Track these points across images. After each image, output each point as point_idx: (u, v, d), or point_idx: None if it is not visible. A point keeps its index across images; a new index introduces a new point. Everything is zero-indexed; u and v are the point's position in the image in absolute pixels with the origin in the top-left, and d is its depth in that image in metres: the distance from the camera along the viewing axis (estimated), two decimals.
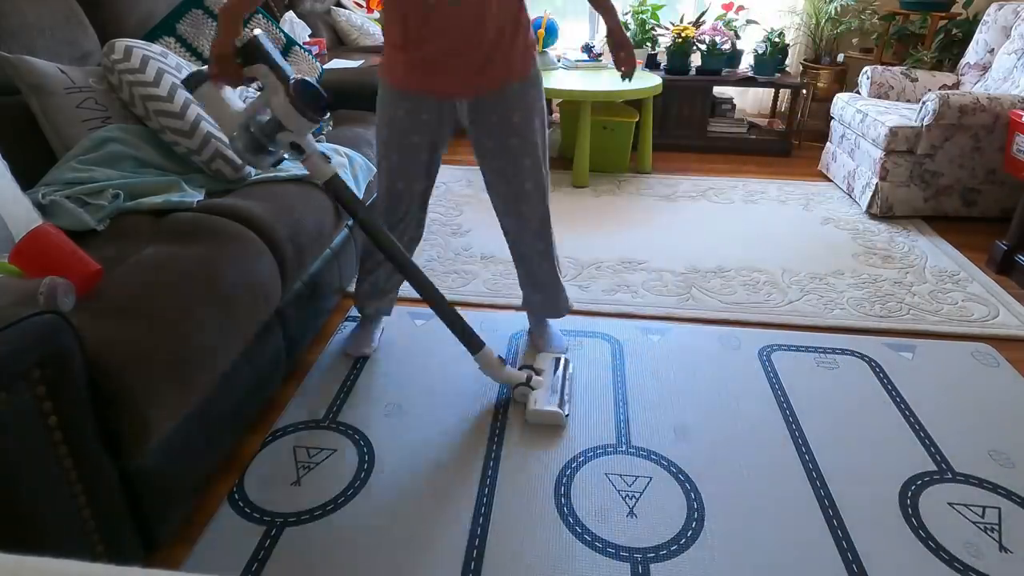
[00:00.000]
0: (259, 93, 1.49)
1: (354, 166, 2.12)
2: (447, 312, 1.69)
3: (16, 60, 1.59)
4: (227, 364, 1.40)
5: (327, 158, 1.56)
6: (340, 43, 3.91)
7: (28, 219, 1.34)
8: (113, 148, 1.65)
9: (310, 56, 2.41)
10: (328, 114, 1.48)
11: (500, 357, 1.75)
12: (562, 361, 1.87)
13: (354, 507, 1.45)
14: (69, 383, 1.01)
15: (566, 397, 1.76)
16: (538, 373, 1.81)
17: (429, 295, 1.67)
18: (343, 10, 3.96)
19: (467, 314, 2.19)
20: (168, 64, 1.78)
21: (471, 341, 1.72)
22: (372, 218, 1.63)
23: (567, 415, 1.72)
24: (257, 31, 1.48)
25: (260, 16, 2.26)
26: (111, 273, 1.30)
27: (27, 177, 1.48)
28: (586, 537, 1.39)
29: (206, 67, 1.51)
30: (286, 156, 1.55)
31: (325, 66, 2.93)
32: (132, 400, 1.10)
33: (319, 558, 1.33)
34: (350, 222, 2.12)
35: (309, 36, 3.36)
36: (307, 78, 1.49)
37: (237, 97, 1.58)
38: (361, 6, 4.17)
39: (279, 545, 1.35)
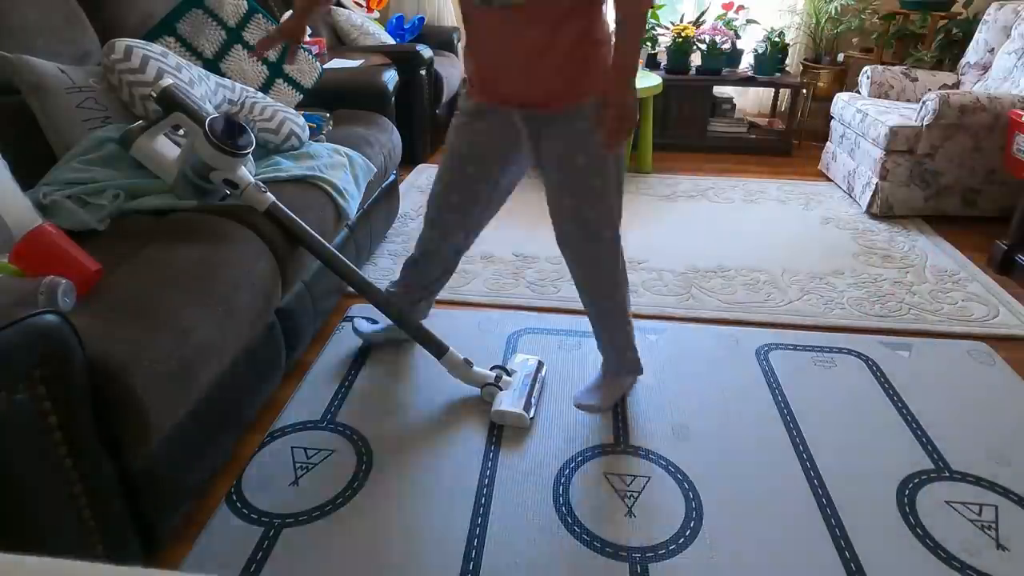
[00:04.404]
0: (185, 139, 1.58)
1: (354, 166, 2.13)
2: (409, 323, 1.73)
3: (16, 60, 1.60)
4: (227, 364, 1.41)
5: (262, 188, 1.61)
6: (340, 43, 3.91)
7: (28, 219, 1.34)
8: (113, 148, 1.65)
9: (310, 56, 2.41)
10: (252, 147, 1.57)
11: (466, 359, 1.75)
12: (536, 363, 1.86)
13: (352, 508, 1.45)
14: (69, 383, 1.01)
15: (533, 400, 1.74)
16: (509, 374, 1.81)
17: (390, 310, 1.72)
18: (343, 10, 3.96)
19: (467, 314, 2.20)
20: (168, 64, 1.79)
21: (435, 346, 1.74)
22: (318, 241, 1.67)
23: (532, 417, 1.71)
24: (167, 81, 1.56)
25: (260, 16, 2.26)
26: (111, 273, 1.30)
27: (27, 177, 1.48)
28: (584, 537, 1.39)
29: (138, 123, 1.62)
30: (228, 192, 1.61)
31: (325, 66, 2.93)
32: (132, 400, 1.10)
33: (317, 559, 1.33)
34: (350, 222, 2.12)
35: (309, 36, 3.36)
36: (225, 115, 1.56)
37: (171, 146, 1.66)
38: (361, 6, 4.17)
39: (277, 546, 1.35)
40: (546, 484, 1.52)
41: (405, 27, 4.24)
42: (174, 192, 1.59)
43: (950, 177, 2.97)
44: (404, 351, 1.99)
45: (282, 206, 1.64)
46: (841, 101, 3.46)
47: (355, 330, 2.02)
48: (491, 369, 1.81)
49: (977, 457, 1.62)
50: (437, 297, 2.01)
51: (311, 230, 1.67)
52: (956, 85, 3.41)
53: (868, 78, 3.44)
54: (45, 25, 1.78)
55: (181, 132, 1.70)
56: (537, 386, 1.80)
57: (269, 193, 1.62)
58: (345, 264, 1.69)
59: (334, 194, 1.94)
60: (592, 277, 1.66)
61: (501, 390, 1.75)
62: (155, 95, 1.56)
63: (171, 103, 1.55)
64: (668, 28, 4.02)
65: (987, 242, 2.69)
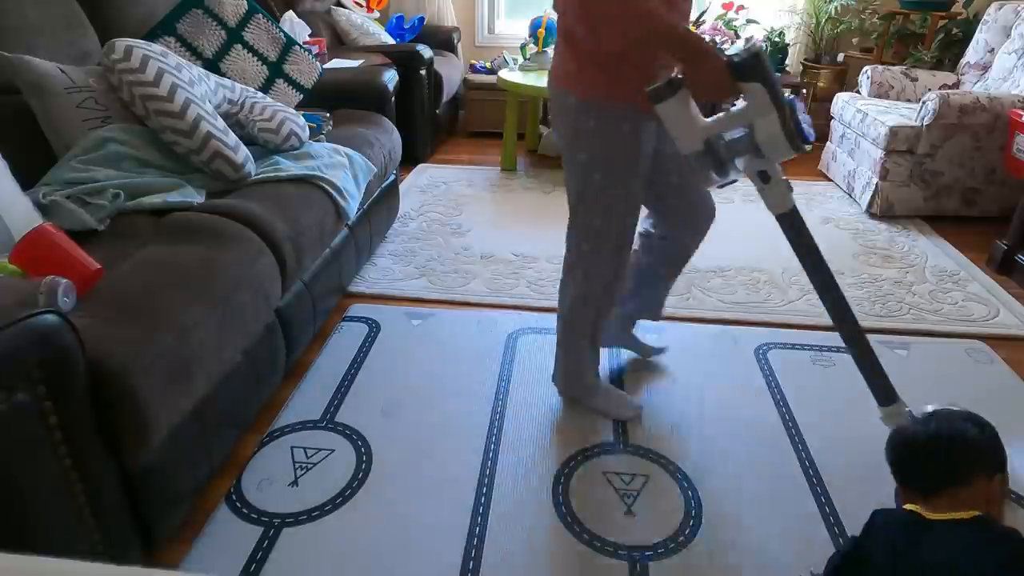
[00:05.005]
0: (732, 110, 1.36)
1: (354, 166, 2.13)
2: (861, 349, 1.49)
3: (16, 60, 1.60)
4: (227, 364, 1.41)
5: (791, 188, 1.43)
6: (340, 43, 3.91)
7: (28, 219, 1.35)
8: (113, 148, 1.65)
9: (310, 56, 2.41)
10: (813, 140, 1.37)
11: (910, 410, 1.47)
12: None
13: (352, 507, 1.45)
14: (69, 383, 1.01)
15: None
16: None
17: (845, 325, 1.51)
18: (343, 10, 3.97)
19: (466, 314, 2.20)
20: (168, 64, 1.78)
21: (882, 391, 1.46)
22: (825, 267, 1.49)
23: None
24: (758, 42, 1.35)
25: (260, 16, 2.26)
26: (111, 273, 1.31)
27: (27, 177, 1.48)
28: (584, 536, 1.39)
29: (674, 75, 1.35)
30: (738, 179, 1.43)
31: (325, 66, 2.93)
32: (132, 400, 1.11)
33: (317, 559, 1.33)
34: (350, 222, 2.12)
35: (309, 36, 3.37)
36: (797, 102, 1.34)
37: (698, 111, 1.42)
38: (361, 6, 4.17)
39: (277, 545, 1.35)
40: (546, 483, 1.53)
41: (405, 27, 4.25)
42: (689, 159, 1.40)
43: (950, 177, 2.97)
44: (403, 351, 1.99)
45: (800, 214, 1.45)
46: (841, 101, 3.46)
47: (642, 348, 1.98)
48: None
49: None
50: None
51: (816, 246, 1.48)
52: (956, 85, 3.41)
53: (868, 78, 3.44)
54: (45, 25, 1.78)
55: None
56: None
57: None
58: (847, 311, 1.49)
59: (334, 194, 1.94)
60: None
61: None
62: (741, 55, 1.27)
63: (757, 71, 1.28)
64: None
65: (987, 242, 2.69)
